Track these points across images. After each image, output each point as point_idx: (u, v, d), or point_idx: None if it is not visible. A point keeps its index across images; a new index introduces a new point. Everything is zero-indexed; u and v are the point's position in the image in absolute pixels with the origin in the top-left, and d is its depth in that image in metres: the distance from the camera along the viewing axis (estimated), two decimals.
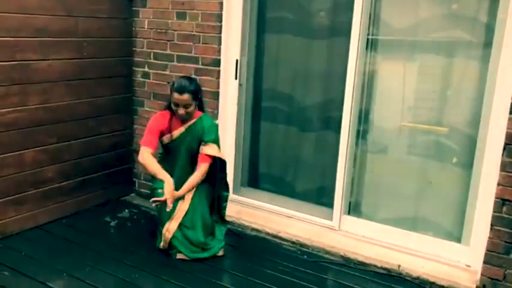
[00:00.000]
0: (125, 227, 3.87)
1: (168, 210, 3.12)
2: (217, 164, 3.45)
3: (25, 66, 3.48)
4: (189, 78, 3.39)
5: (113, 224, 3.90)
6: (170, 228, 3.34)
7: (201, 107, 3.46)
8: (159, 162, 3.37)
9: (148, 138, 3.31)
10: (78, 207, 4.06)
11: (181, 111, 3.27)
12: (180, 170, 3.41)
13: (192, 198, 3.36)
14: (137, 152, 4.41)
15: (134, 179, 4.52)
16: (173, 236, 3.34)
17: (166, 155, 3.52)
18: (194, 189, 3.36)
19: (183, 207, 3.34)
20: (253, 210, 4.01)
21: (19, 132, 3.52)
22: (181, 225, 3.34)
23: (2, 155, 3.43)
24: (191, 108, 3.29)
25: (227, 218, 3.67)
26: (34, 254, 3.33)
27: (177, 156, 3.43)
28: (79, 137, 3.97)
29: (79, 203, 4.07)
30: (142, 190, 4.48)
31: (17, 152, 3.53)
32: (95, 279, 3.06)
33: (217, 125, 3.53)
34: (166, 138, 3.42)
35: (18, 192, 3.60)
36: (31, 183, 3.67)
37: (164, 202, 3.10)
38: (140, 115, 4.36)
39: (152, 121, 3.40)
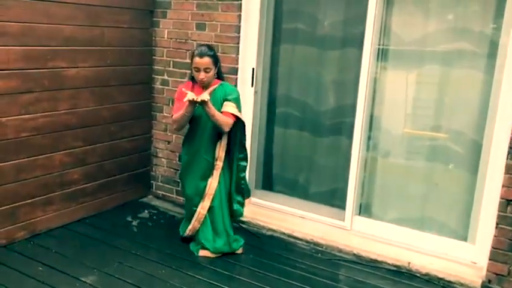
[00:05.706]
0: (146, 226, 4.06)
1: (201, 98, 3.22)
2: (238, 134, 3.54)
3: (55, 74, 3.68)
4: (209, 46, 3.54)
5: (134, 223, 4.09)
6: (205, 205, 3.55)
7: (220, 76, 3.57)
8: (186, 137, 3.62)
9: (179, 105, 3.45)
10: (100, 208, 4.25)
11: (201, 75, 3.40)
12: (207, 141, 3.52)
13: (219, 176, 3.54)
14: (155, 155, 4.63)
15: (152, 182, 4.71)
16: (203, 219, 3.55)
17: (193, 129, 3.58)
18: (220, 169, 3.52)
19: (213, 184, 3.53)
20: (269, 212, 4.20)
21: (49, 136, 3.71)
22: (210, 207, 3.56)
23: (33, 157, 3.62)
24: (211, 73, 3.42)
25: (244, 219, 3.87)
26: (63, 252, 3.51)
27: (203, 127, 3.49)
28: (102, 141, 4.16)
29: (101, 203, 4.26)
30: (159, 192, 4.67)
31: (47, 155, 3.72)
32: (125, 275, 3.24)
33: (238, 91, 3.63)
34: None
35: (46, 193, 3.78)
36: (58, 185, 3.86)
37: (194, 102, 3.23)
38: (159, 120, 4.55)
39: (178, 91, 3.57)
